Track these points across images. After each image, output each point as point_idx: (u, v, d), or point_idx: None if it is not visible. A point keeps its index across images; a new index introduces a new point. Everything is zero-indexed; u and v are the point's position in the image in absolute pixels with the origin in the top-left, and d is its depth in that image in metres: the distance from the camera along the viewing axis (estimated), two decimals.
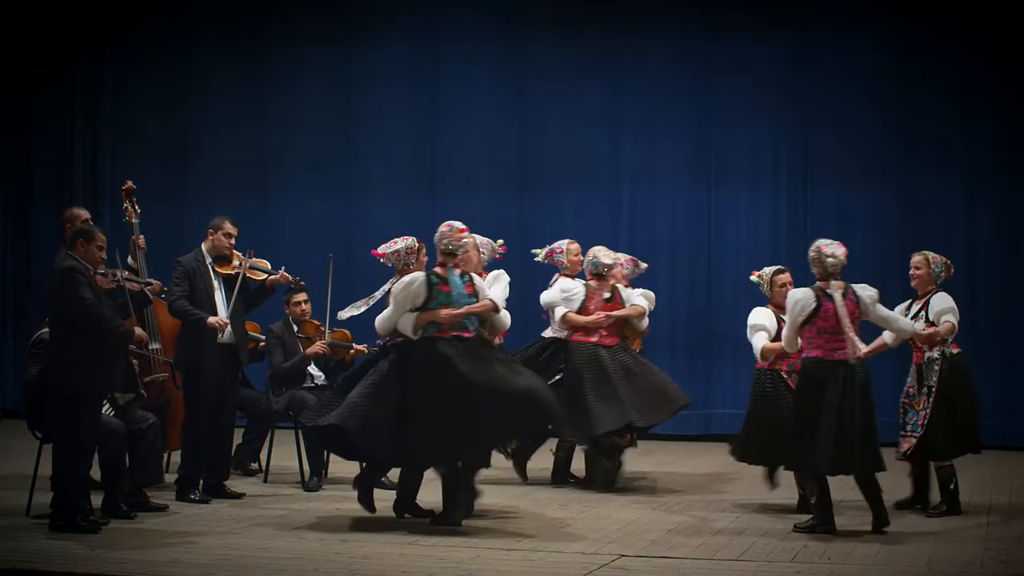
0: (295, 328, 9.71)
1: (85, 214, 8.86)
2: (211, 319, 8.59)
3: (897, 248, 12.10)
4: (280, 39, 13.65)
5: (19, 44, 14.17)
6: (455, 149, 13.26)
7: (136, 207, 9.27)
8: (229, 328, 8.67)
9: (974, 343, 11.89)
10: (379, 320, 7.90)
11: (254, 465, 9.91)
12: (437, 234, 7.92)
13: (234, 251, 8.85)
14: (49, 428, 7.76)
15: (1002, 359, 11.92)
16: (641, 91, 12.77)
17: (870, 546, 7.19)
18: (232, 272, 8.81)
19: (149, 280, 8.67)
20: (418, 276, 7.84)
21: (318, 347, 9.57)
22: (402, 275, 8.08)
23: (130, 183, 9.39)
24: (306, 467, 9.35)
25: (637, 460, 9.75)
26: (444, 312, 7.73)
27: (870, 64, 12.21)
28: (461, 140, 13.24)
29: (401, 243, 8.26)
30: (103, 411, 7.91)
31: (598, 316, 9.20)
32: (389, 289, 8.12)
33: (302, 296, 9.74)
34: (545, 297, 9.42)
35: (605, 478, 9.15)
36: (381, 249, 8.30)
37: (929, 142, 12.10)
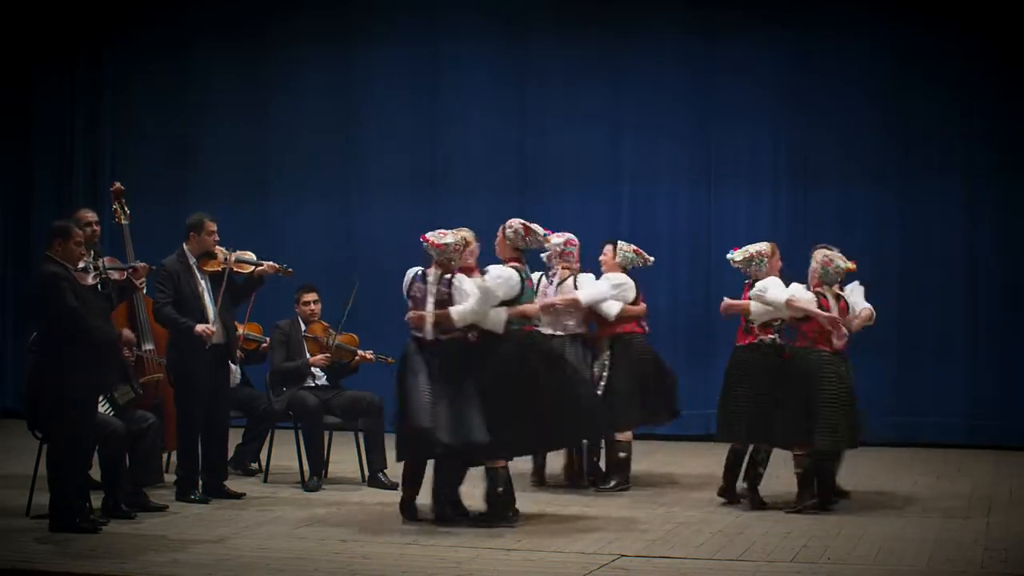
0: (302, 327, 9.68)
1: (92, 216, 8.82)
2: (199, 327, 8.52)
3: (897, 248, 12.12)
4: (280, 39, 13.64)
5: (19, 44, 14.17)
6: (455, 149, 13.25)
7: (126, 208, 9.20)
8: (219, 327, 8.65)
9: (974, 343, 11.94)
10: (463, 312, 7.77)
11: (254, 465, 9.90)
12: (516, 230, 8.18)
13: (217, 247, 8.83)
14: (44, 427, 7.75)
15: (1002, 359, 11.92)
16: (641, 91, 12.76)
17: (870, 546, 7.19)
18: (219, 269, 8.78)
19: (133, 265, 8.37)
20: (515, 273, 8.00)
21: (321, 360, 9.53)
22: (442, 268, 7.95)
23: (118, 184, 9.32)
24: (306, 467, 9.35)
25: (637, 460, 9.73)
26: (535, 306, 8.10)
27: (870, 64, 12.20)
28: (461, 140, 13.23)
29: (452, 237, 8.00)
30: (102, 411, 7.91)
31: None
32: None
33: (312, 296, 9.71)
34: (607, 306, 9.24)
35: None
36: (431, 237, 8.01)
37: (929, 142, 12.09)
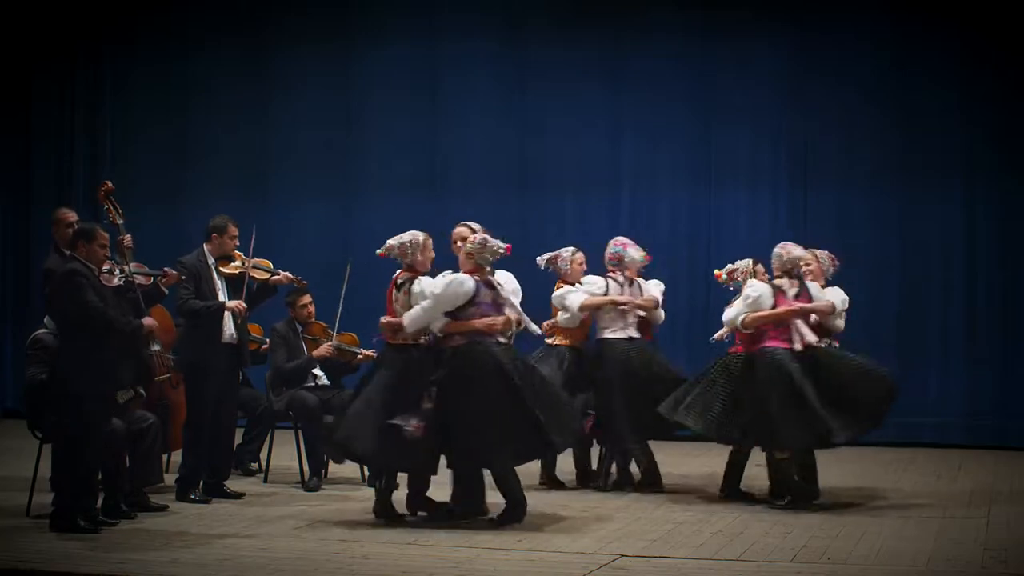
0: (300, 329, 9.67)
1: (73, 215, 8.78)
2: (230, 303, 8.60)
3: (897, 248, 12.12)
4: (280, 39, 13.66)
5: (19, 44, 14.18)
6: (455, 149, 13.26)
7: (118, 207, 9.14)
8: (232, 329, 8.66)
9: (974, 343, 11.94)
10: (411, 317, 7.80)
11: (254, 465, 9.91)
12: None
13: (236, 251, 8.85)
14: (53, 426, 7.75)
15: (1002, 359, 11.92)
16: (641, 91, 12.77)
17: (870, 546, 7.19)
18: (235, 272, 8.80)
19: (163, 271, 8.32)
20: (468, 280, 7.79)
21: (325, 349, 9.51)
22: (411, 270, 7.98)
23: (108, 183, 9.25)
24: (306, 467, 9.35)
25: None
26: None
27: (870, 64, 12.21)
28: (461, 140, 13.24)
29: (407, 236, 8.07)
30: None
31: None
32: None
33: (307, 298, 9.71)
34: (569, 298, 9.25)
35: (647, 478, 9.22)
36: (384, 247, 8.13)
37: (929, 142, 12.09)
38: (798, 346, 8.37)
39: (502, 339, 7.86)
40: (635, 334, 9.23)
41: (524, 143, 13.09)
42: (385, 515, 7.94)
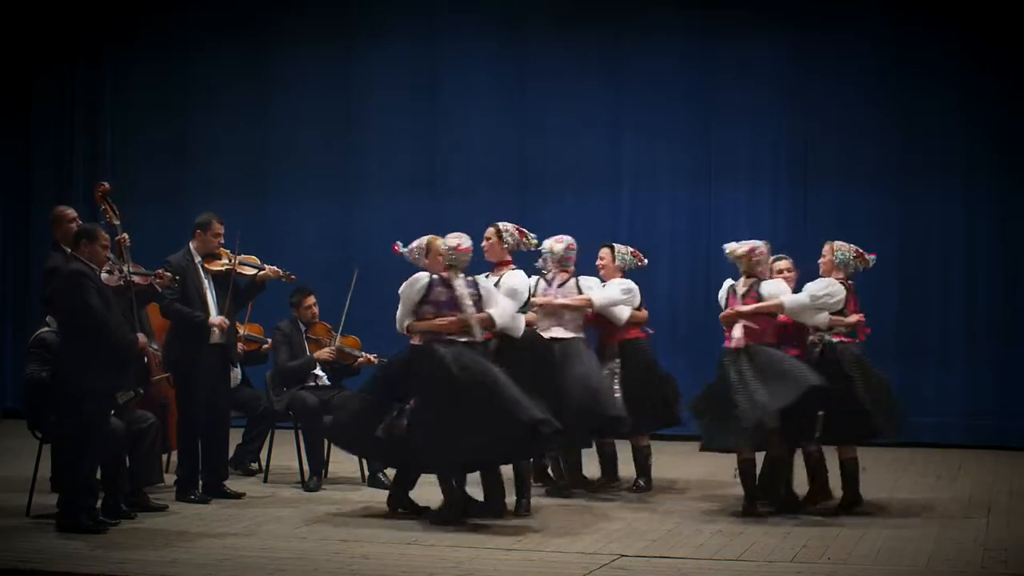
0: (303, 329, 9.68)
1: (72, 212, 8.79)
2: (213, 319, 8.59)
3: (897, 248, 12.11)
4: (280, 39, 13.65)
5: (19, 44, 14.18)
6: (455, 149, 13.26)
7: (115, 208, 9.12)
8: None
9: (974, 343, 11.94)
10: (504, 314, 8.13)
11: (254, 465, 9.91)
12: (512, 233, 8.42)
13: (222, 248, 8.83)
14: (53, 426, 7.76)
15: (1001, 359, 11.92)
16: (641, 91, 12.77)
17: (870, 546, 7.19)
18: (222, 269, 8.78)
19: (158, 272, 8.36)
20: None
21: (326, 353, 9.53)
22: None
23: (105, 184, 9.23)
24: (306, 467, 9.36)
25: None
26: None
27: (870, 63, 12.21)
28: (461, 140, 13.23)
29: (415, 243, 8.25)
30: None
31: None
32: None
33: (311, 299, 9.71)
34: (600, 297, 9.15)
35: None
36: (405, 248, 8.31)
37: (930, 142, 12.09)
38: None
39: (463, 338, 7.92)
40: (564, 334, 8.95)
41: (524, 143, 13.09)
42: (404, 507, 8.10)
